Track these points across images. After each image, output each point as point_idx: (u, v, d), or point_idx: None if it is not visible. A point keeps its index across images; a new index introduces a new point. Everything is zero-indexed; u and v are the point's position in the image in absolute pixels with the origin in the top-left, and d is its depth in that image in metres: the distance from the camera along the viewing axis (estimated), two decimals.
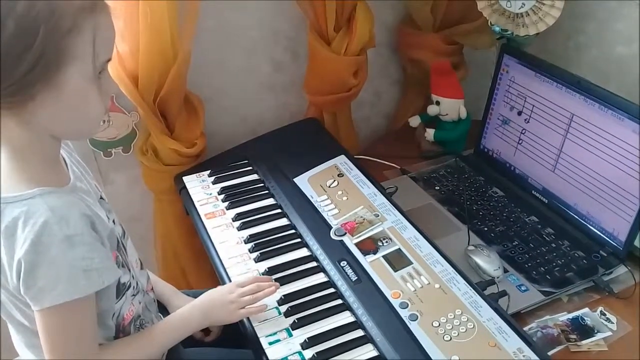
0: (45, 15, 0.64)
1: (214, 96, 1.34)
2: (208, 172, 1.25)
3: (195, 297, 0.92)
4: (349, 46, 1.27)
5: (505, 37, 1.25)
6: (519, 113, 1.23)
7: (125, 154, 1.31)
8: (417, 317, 0.88)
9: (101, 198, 0.85)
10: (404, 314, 0.88)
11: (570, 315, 0.98)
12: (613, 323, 0.96)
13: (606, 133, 1.05)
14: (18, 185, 0.71)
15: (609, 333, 0.95)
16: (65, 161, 0.81)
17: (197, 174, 1.24)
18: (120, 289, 0.83)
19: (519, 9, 1.17)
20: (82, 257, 0.71)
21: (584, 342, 0.93)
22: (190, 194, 1.19)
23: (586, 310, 0.99)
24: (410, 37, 1.45)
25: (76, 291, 0.71)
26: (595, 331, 0.95)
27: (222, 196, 1.18)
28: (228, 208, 1.15)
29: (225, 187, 1.20)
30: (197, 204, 1.16)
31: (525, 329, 0.94)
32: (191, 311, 0.89)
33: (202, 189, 1.20)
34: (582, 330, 0.95)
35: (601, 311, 0.98)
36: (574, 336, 0.94)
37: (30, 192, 0.70)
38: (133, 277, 0.87)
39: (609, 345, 0.93)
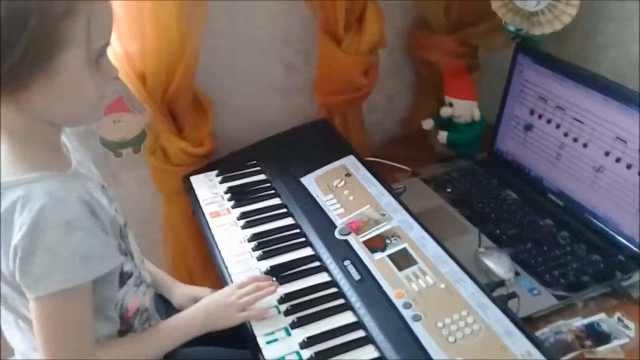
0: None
1: (225, 98, 1.33)
2: (216, 172, 1.24)
3: (196, 290, 0.96)
4: (359, 45, 1.25)
5: (520, 36, 1.22)
6: (534, 113, 1.20)
7: (135, 154, 1.31)
8: (421, 317, 0.84)
9: (103, 187, 0.84)
10: (406, 314, 0.85)
11: (586, 321, 0.93)
12: (631, 330, 0.91)
13: (627, 133, 1.01)
14: (17, 170, 0.70)
15: (627, 340, 0.90)
16: (67, 147, 0.80)
17: (205, 174, 1.24)
18: (123, 277, 0.81)
19: (534, 7, 1.14)
20: (80, 243, 0.69)
21: (599, 348, 0.89)
22: (197, 193, 1.18)
23: (602, 315, 0.94)
24: (423, 39, 1.43)
25: (74, 279, 0.69)
26: (612, 338, 0.90)
27: (227, 195, 1.16)
28: (233, 207, 1.13)
29: (232, 186, 1.19)
30: (202, 203, 1.15)
31: (537, 334, 0.90)
32: (192, 315, 0.88)
33: (209, 189, 1.19)
34: (598, 336, 0.91)
35: (619, 317, 0.94)
36: (589, 342, 0.90)
37: (29, 177, 0.69)
38: (136, 266, 0.86)
39: (627, 353, 0.88)
